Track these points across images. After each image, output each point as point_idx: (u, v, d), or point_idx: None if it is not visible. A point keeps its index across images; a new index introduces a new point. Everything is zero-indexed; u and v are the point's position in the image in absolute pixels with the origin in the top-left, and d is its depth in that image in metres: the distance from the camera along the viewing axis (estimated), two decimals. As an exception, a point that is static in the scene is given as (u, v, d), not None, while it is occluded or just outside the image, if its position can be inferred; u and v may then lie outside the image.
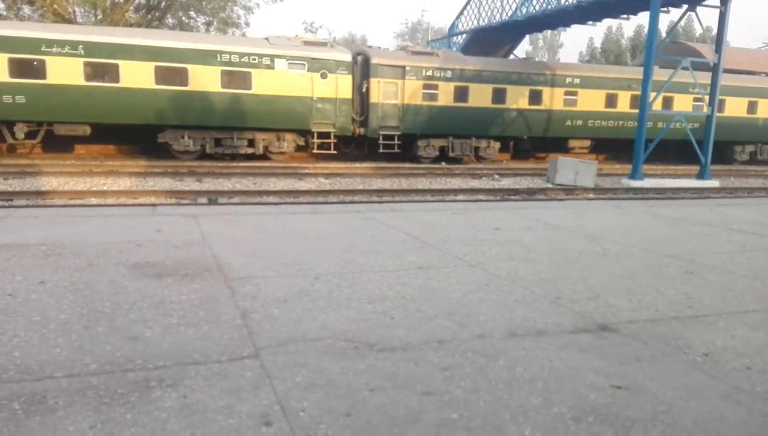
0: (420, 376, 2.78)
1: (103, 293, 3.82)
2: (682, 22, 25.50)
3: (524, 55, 33.71)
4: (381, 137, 21.17)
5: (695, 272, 4.99)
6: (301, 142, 20.60)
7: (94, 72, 17.69)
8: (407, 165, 20.00)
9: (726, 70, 20.15)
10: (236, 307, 3.64)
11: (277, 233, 6.04)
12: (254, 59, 19.16)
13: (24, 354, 2.84)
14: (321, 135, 20.31)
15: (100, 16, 30.47)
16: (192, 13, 33.55)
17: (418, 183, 16.24)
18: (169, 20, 33.41)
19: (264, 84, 19.33)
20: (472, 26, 27.04)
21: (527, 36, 31.72)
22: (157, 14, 32.58)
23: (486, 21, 25.66)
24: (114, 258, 4.69)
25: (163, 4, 32.53)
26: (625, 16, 22.27)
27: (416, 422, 2.36)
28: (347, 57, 20.33)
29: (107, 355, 2.87)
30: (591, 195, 15.20)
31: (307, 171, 17.36)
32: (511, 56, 27.65)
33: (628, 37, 63.99)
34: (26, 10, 29.67)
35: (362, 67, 20.88)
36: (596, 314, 3.81)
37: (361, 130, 21.11)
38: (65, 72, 17.32)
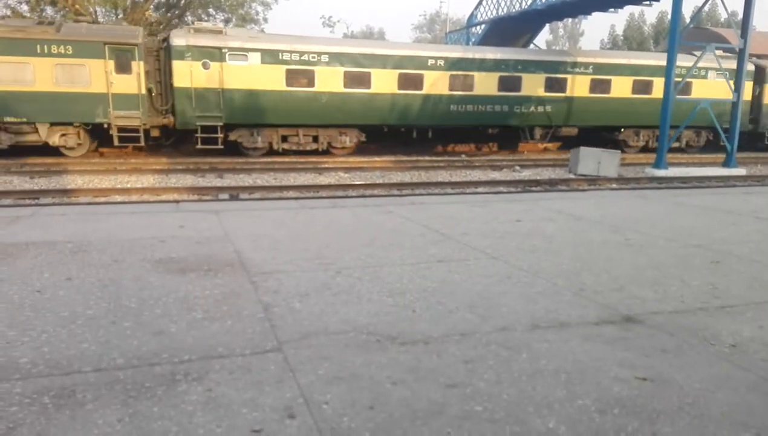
0: (442, 369, 2.78)
1: (128, 288, 3.88)
2: (706, 7, 24.89)
3: (544, 45, 33.46)
4: None
5: (722, 262, 4.90)
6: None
7: (595, 86, 22.71)
8: (426, 158, 19.99)
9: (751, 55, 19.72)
10: (259, 301, 3.67)
11: (297, 228, 6.07)
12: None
13: (53, 349, 2.90)
14: None
15: (120, 15, 30.81)
16: (211, 10, 33.76)
17: (438, 176, 16.17)
18: (189, 18, 33.64)
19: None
20: (491, 16, 26.77)
21: (547, 25, 31.28)
22: (177, 12, 32.83)
23: (505, 10, 25.37)
24: (138, 254, 4.76)
25: (182, 1, 32.76)
26: (648, 2, 21.86)
27: (439, 414, 2.36)
28: (751, 67, 24.05)
29: (134, 349, 2.92)
30: (614, 185, 15.00)
31: (326, 165, 17.41)
32: (531, 46, 27.33)
33: (651, 24, 62.81)
34: (49, 11, 30.12)
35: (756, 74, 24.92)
36: (621, 305, 3.76)
37: (750, 127, 25.20)
38: (577, 87, 22.46)
